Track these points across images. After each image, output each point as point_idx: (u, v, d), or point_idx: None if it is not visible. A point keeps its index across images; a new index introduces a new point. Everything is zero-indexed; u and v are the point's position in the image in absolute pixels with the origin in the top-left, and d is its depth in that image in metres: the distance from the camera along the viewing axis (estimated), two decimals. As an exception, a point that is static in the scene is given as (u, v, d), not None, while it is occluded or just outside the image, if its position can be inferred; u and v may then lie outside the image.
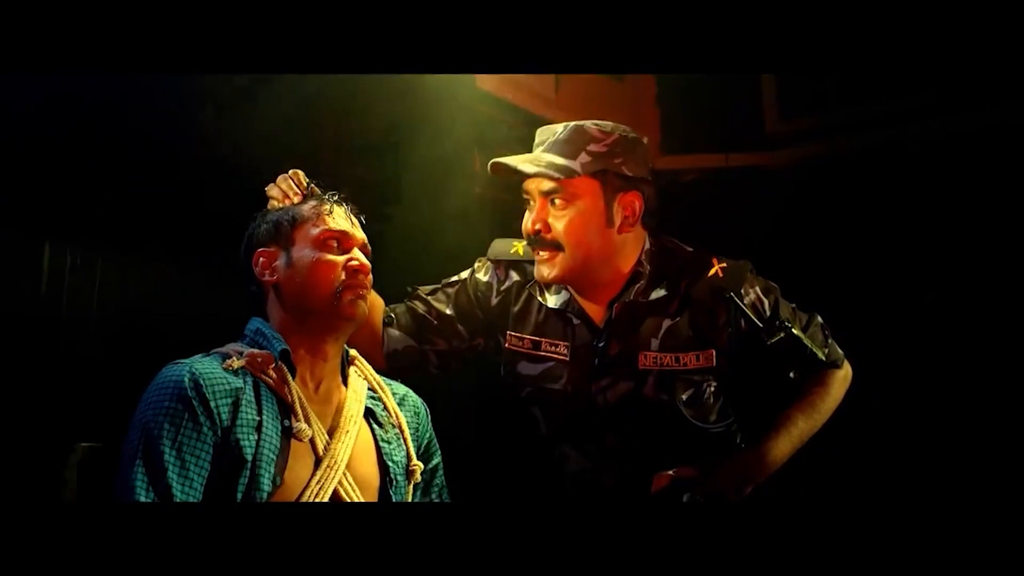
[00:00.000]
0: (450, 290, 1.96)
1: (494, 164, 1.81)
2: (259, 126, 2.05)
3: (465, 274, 1.99)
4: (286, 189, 1.70)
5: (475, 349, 1.97)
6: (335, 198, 1.67)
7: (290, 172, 1.72)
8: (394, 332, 1.91)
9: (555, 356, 1.88)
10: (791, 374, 1.88)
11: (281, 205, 1.68)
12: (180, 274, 1.89)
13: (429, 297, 1.96)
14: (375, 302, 1.87)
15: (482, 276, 1.97)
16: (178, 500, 1.35)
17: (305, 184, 1.71)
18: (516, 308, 1.93)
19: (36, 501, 1.56)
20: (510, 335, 1.92)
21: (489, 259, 1.98)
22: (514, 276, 1.94)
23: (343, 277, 1.58)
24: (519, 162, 1.78)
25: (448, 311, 1.94)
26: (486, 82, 2.90)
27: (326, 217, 1.62)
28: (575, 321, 1.88)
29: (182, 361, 1.48)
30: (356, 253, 1.62)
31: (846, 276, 3.04)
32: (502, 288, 1.95)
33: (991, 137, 2.93)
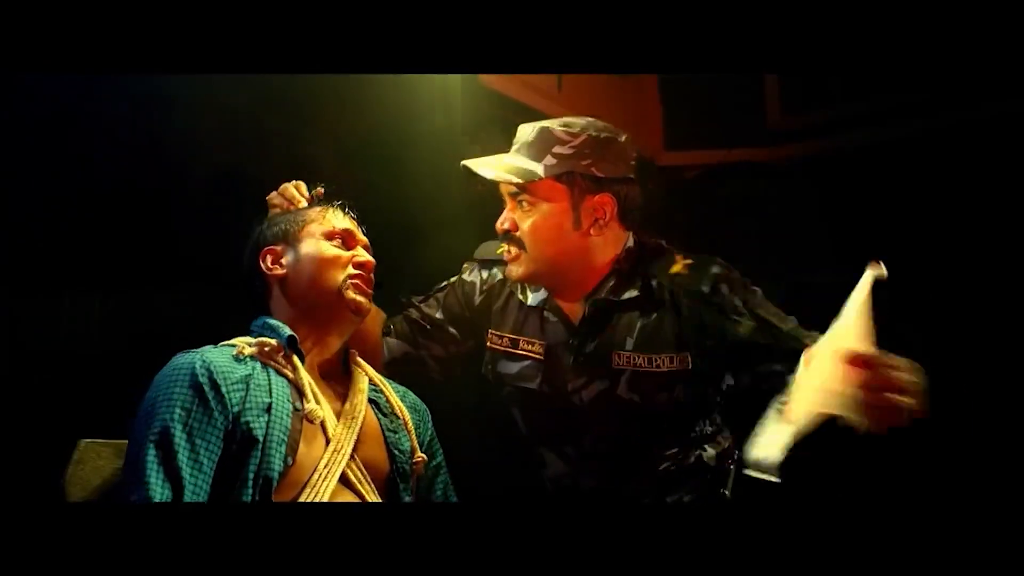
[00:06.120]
0: (439, 295, 1.97)
1: (462, 166, 1.81)
2: (253, 129, 2.05)
3: (455, 278, 1.99)
4: (289, 198, 1.74)
5: (470, 351, 1.97)
6: (338, 203, 1.72)
7: (292, 183, 1.76)
8: (392, 341, 1.92)
9: (531, 355, 1.88)
10: (785, 375, 1.70)
11: (284, 211, 1.73)
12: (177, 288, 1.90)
13: (421, 304, 1.97)
14: (375, 314, 1.88)
15: (467, 276, 1.98)
16: (187, 483, 1.37)
17: (308, 195, 1.76)
18: (498, 305, 1.93)
19: (38, 499, 1.56)
20: (491, 333, 1.93)
21: (476, 259, 1.98)
22: (498, 274, 1.94)
23: (349, 271, 1.63)
24: (479, 166, 1.78)
25: (438, 315, 1.95)
26: (488, 78, 2.90)
27: (331, 218, 1.68)
28: (551, 319, 1.87)
29: (192, 350, 1.50)
30: (360, 250, 1.67)
31: (847, 273, 3.04)
32: (485, 286, 1.95)
33: (995, 132, 2.93)
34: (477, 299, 1.95)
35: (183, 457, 1.38)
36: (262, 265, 1.64)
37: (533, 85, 3.09)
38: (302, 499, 1.47)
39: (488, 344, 1.93)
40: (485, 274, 1.96)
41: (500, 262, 1.92)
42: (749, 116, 3.51)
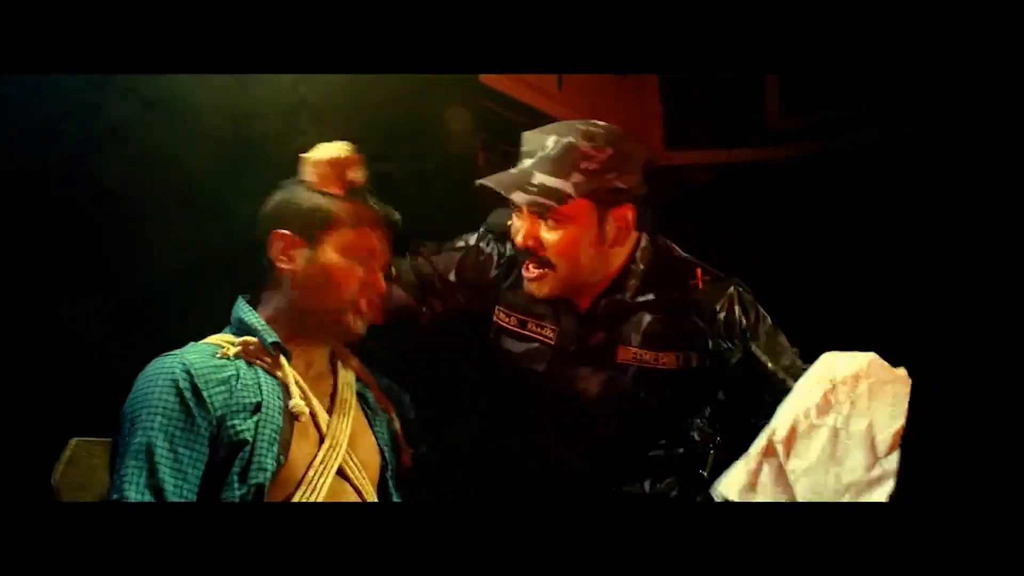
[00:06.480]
0: (455, 254, 1.95)
1: (481, 185, 1.76)
2: (256, 128, 2.05)
3: (472, 239, 1.97)
4: (332, 174, 1.57)
5: (470, 312, 1.95)
6: (375, 199, 1.61)
7: (342, 153, 1.58)
8: (396, 290, 1.88)
9: (540, 337, 1.88)
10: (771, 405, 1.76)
11: (314, 184, 1.57)
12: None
13: (433, 257, 1.94)
14: None
15: (484, 247, 1.95)
16: (170, 495, 1.35)
17: (352, 180, 1.59)
18: (507, 283, 1.92)
19: (30, 498, 1.55)
20: (498, 310, 1.92)
21: (490, 229, 1.96)
22: (510, 250, 1.92)
23: (356, 295, 1.56)
24: (508, 189, 1.73)
25: (452, 277, 1.93)
26: (489, 77, 2.90)
27: (362, 225, 1.57)
28: (561, 305, 1.87)
29: (172, 353, 1.47)
30: (376, 273, 1.58)
31: (849, 272, 3.04)
32: (501, 261, 1.94)
33: (995, 132, 2.93)
34: (492, 272, 1.94)
35: (165, 467, 1.35)
36: (270, 248, 1.55)
37: (533, 84, 3.09)
38: (298, 495, 1.46)
39: (495, 319, 1.93)
40: (502, 248, 1.94)
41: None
42: (750, 116, 3.51)
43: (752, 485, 1.41)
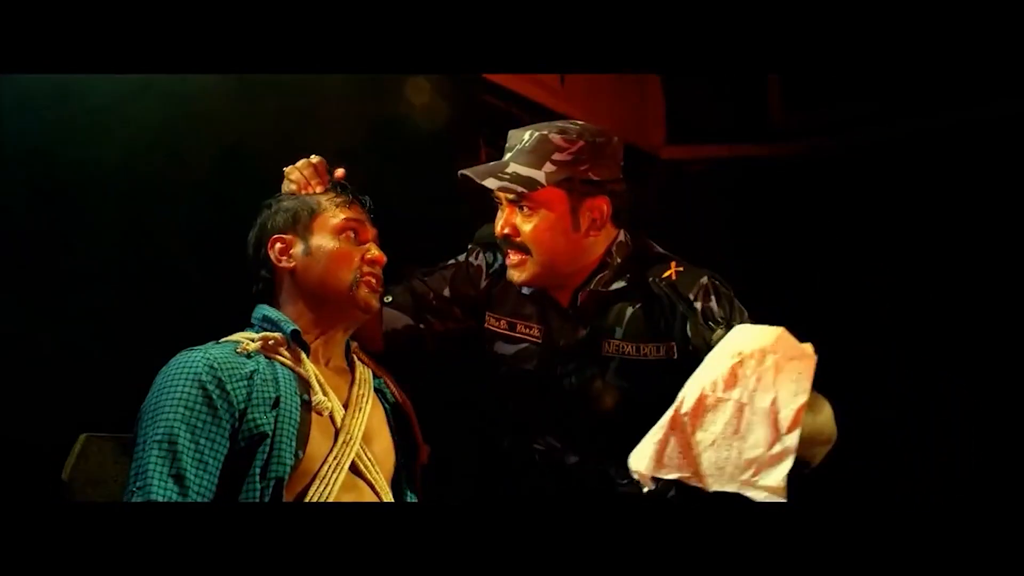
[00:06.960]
0: (447, 272, 2.00)
1: (461, 175, 1.83)
2: (267, 120, 2.07)
3: (461, 257, 2.02)
4: (308, 176, 1.71)
5: (469, 331, 2.00)
6: (350, 190, 1.70)
7: (314, 160, 1.72)
8: (393, 311, 1.93)
9: (529, 338, 1.93)
10: None
11: (295, 190, 1.70)
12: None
13: (426, 278, 1.99)
14: None
15: (474, 260, 2.01)
16: (191, 483, 1.38)
17: (325, 176, 1.72)
18: (497, 289, 1.97)
19: (40, 496, 1.56)
20: (488, 316, 1.98)
21: (479, 243, 2.01)
22: (500, 258, 1.97)
23: (361, 268, 1.63)
24: (482, 176, 1.80)
25: (446, 292, 1.98)
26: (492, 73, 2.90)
27: (343, 208, 1.66)
28: (546, 305, 1.92)
29: (196, 348, 1.51)
30: (371, 246, 1.67)
31: (848, 269, 3.05)
32: (491, 271, 1.99)
33: (995, 132, 2.93)
34: (482, 282, 1.99)
35: (187, 457, 1.38)
36: (270, 254, 1.64)
37: (536, 80, 3.10)
38: (312, 490, 1.49)
39: (486, 325, 1.98)
40: (490, 257, 1.99)
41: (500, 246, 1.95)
42: (752, 112, 3.51)
43: (660, 459, 1.41)
